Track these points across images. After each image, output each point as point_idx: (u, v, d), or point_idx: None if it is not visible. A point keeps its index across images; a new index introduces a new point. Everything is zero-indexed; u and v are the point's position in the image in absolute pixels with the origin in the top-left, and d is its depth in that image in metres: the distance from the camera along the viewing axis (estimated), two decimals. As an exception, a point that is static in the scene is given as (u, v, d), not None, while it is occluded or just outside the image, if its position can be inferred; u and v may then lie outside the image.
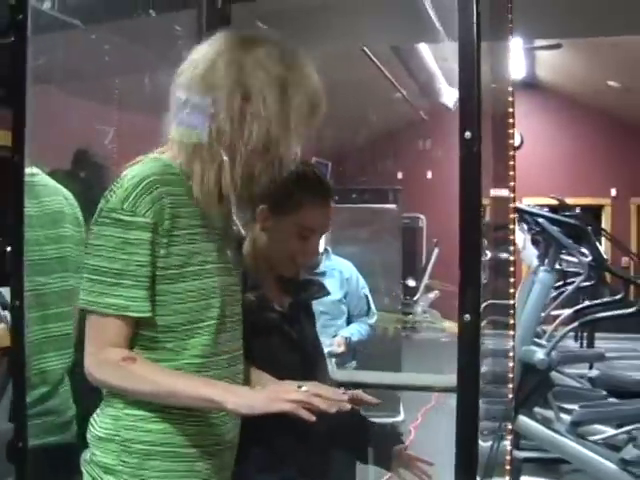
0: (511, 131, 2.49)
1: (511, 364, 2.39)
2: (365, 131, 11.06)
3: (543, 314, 5.35)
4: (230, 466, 1.88)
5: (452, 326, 11.85)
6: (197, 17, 2.70)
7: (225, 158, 1.70)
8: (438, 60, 9.32)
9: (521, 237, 5.71)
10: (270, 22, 2.99)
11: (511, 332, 2.41)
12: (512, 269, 2.41)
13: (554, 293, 5.68)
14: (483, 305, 1.68)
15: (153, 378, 1.68)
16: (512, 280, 2.39)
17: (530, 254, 5.56)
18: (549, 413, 5.09)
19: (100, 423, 1.78)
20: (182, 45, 2.84)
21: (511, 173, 2.45)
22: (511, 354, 2.40)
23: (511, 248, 2.45)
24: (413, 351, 8.50)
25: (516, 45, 9.08)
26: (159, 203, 1.67)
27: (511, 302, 2.38)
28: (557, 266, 5.39)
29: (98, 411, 1.81)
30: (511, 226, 2.52)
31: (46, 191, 2.50)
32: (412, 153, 12.92)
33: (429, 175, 13.36)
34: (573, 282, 5.66)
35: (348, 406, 1.68)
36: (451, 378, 1.76)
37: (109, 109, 3.81)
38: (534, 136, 13.25)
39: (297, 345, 2.16)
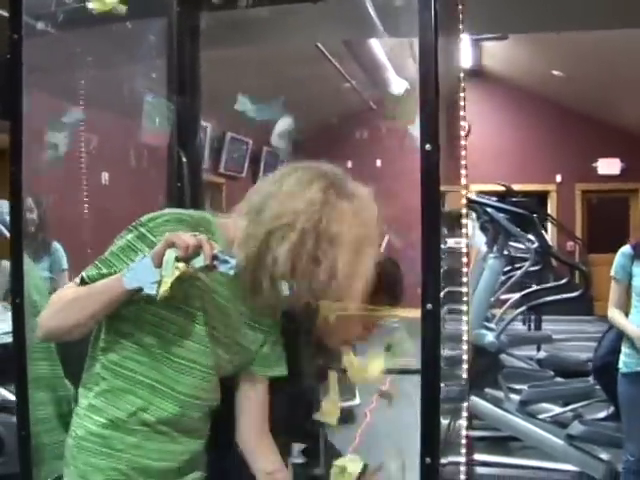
0: (463, 124, 2.63)
1: (465, 347, 2.55)
2: (314, 121, 11.11)
3: (492, 299, 5.53)
4: None
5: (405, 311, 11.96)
6: (167, 25, 2.82)
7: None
8: (387, 51, 9.41)
9: (470, 224, 5.89)
10: (236, 27, 3.12)
11: (465, 317, 2.57)
12: (465, 259, 2.56)
13: (502, 278, 5.87)
14: (443, 292, 1.84)
15: (74, 296, 1.81)
16: (465, 269, 2.54)
17: (478, 240, 5.74)
18: (499, 393, 5.29)
19: None
20: (153, 52, 2.96)
21: (463, 162, 2.60)
22: (465, 338, 2.55)
23: (464, 238, 2.59)
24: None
25: (462, 36, 9.23)
26: None
27: (464, 289, 2.54)
28: (505, 252, 5.57)
29: None
30: (464, 214, 2.65)
31: None
32: (360, 142, 13.00)
33: (378, 163, 13.47)
34: (521, 267, 5.85)
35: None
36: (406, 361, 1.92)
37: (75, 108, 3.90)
38: (481, 125, 13.45)
39: None
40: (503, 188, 7.00)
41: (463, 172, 2.59)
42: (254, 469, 2.03)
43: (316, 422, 2.38)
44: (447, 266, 2.67)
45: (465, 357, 2.54)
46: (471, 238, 6.13)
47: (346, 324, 2.15)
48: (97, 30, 2.95)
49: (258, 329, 1.99)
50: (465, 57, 11.90)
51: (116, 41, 3.11)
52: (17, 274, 2.17)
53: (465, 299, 2.52)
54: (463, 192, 2.58)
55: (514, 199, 5.67)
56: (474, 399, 4.99)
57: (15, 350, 2.19)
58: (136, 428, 1.87)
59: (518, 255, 6.33)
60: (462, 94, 2.60)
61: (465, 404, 2.70)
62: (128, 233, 1.84)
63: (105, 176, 6.55)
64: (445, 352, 2.37)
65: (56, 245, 4.78)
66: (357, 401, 6.50)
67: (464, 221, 2.56)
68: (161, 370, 1.86)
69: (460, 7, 2.58)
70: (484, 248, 5.57)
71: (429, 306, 1.71)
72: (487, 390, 5.30)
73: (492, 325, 5.27)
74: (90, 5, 2.26)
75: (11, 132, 2.15)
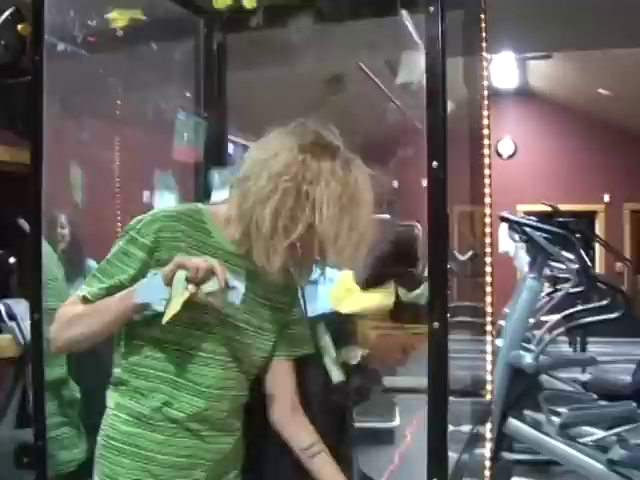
0: (486, 142, 2.61)
1: (489, 367, 2.51)
2: (359, 141, 11.10)
3: (533, 320, 5.44)
4: None
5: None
6: (194, 46, 2.86)
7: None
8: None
9: (512, 245, 5.83)
10: (262, 48, 3.13)
11: (489, 337, 2.54)
12: (489, 278, 2.53)
13: (545, 299, 5.77)
14: (452, 305, 1.82)
15: (87, 309, 1.84)
16: (489, 289, 2.51)
17: (522, 262, 5.67)
18: (539, 416, 5.19)
19: None
20: (181, 72, 3.00)
21: (487, 181, 2.58)
22: (489, 358, 2.52)
23: (488, 256, 2.56)
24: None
25: (508, 55, 9.22)
26: (162, 234, 1.85)
27: (488, 307, 2.50)
28: (548, 272, 5.48)
29: None
30: (487, 232, 2.63)
31: None
32: (407, 162, 12.95)
33: (424, 183, 13.41)
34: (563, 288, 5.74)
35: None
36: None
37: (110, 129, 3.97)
38: (527, 144, 13.37)
39: None
40: (549, 208, 6.90)
41: (487, 191, 2.57)
42: (292, 447, 2.02)
43: (347, 446, 2.37)
44: (472, 282, 2.64)
45: (489, 377, 2.50)
46: (515, 259, 6.08)
47: (385, 344, 2.15)
48: (131, 53, 3.01)
49: (276, 308, 2.00)
50: (511, 76, 11.92)
51: (147, 61, 3.16)
52: (36, 290, 2.21)
53: (488, 316, 2.49)
54: (487, 211, 2.57)
55: (560, 219, 5.58)
56: (513, 421, 4.91)
57: (33, 365, 2.22)
58: (163, 425, 1.88)
59: (561, 276, 6.24)
60: (486, 112, 2.58)
61: (488, 426, 2.65)
62: (120, 239, 1.89)
63: (146, 195, 6.58)
64: (463, 371, 2.34)
65: (91, 263, 4.83)
66: (397, 422, 6.48)
67: (487, 240, 2.54)
68: (181, 364, 1.87)
69: (484, 25, 2.57)
70: (526, 268, 5.50)
71: (436, 324, 1.70)
72: (527, 412, 5.20)
73: (531, 346, 5.18)
74: (109, 16, 2.32)
75: (32, 151, 2.21)
